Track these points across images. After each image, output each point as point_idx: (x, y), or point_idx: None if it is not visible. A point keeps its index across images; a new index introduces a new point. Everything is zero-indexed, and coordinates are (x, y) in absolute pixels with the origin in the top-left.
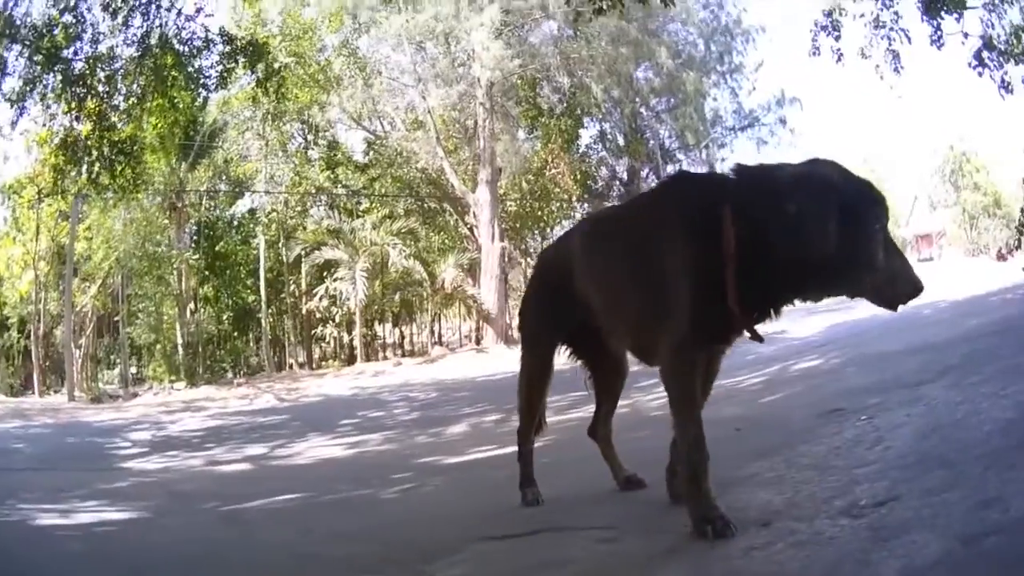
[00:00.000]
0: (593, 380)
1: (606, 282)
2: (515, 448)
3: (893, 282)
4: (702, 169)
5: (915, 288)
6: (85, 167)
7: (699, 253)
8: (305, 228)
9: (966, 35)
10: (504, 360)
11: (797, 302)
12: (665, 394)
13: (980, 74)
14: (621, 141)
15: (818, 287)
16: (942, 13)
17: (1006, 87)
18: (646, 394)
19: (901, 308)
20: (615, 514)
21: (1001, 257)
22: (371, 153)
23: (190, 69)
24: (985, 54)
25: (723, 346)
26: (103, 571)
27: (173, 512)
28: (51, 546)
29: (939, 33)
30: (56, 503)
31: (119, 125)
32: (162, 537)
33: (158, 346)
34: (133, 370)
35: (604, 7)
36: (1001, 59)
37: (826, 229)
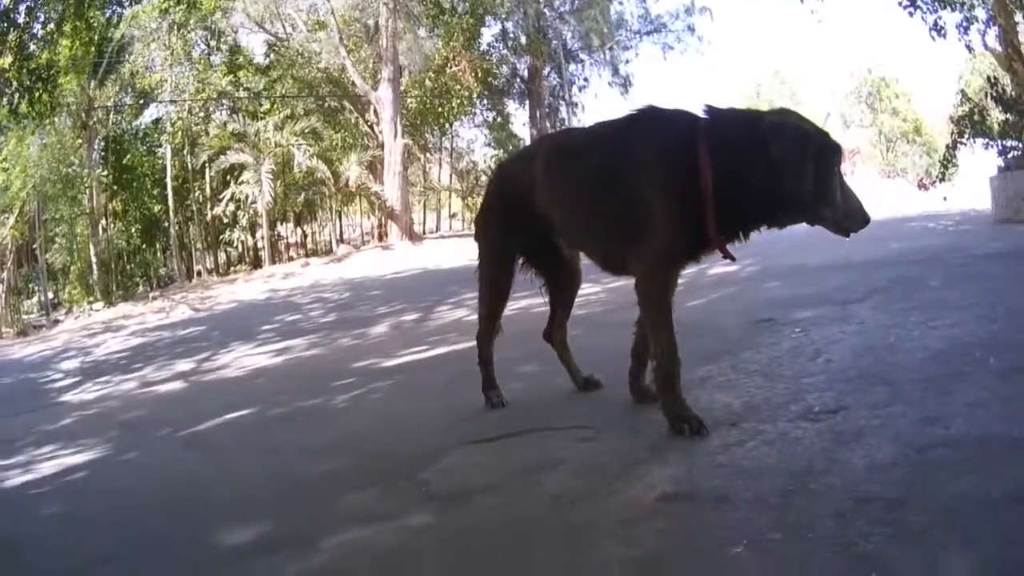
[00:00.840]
0: (548, 288)
1: (575, 203)
2: (447, 349)
3: (848, 215)
4: (606, 71)
5: (865, 220)
6: (5, 99)
7: (679, 184)
8: (208, 134)
9: None
10: (410, 257)
11: (763, 229)
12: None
13: (911, 14)
14: (523, 40)
15: (787, 218)
16: None
17: (938, 30)
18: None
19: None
20: (585, 414)
21: (922, 186)
22: (272, 55)
23: None
24: None
25: (689, 263)
26: (92, 534)
27: (132, 447)
28: (26, 510)
29: None
30: (11, 456)
31: (36, 53)
32: (134, 479)
33: (73, 268)
34: (50, 295)
35: None
36: (936, 3)
37: (806, 171)
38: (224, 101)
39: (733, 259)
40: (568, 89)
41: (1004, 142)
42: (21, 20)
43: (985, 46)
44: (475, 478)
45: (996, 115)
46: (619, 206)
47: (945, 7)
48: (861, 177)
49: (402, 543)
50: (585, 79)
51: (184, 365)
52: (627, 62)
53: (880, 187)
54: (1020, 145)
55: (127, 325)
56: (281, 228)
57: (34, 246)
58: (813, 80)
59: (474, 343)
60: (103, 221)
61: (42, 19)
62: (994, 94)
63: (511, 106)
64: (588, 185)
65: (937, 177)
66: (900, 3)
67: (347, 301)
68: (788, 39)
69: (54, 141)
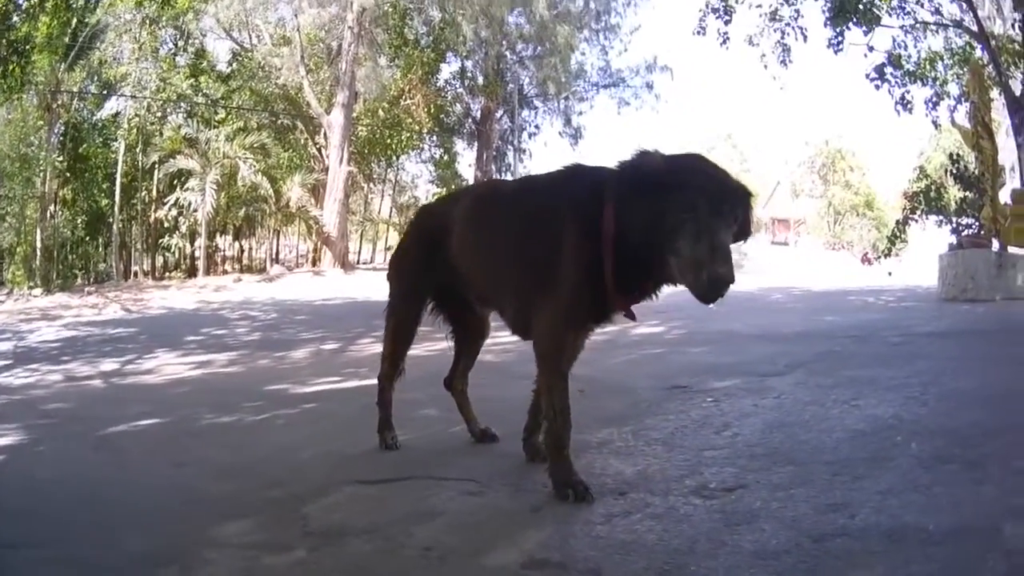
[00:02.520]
0: (454, 336)
1: (491, 256)
2: (359, 383)
3: (697, 270)
4: (558, 119)
5: (715, 285)
6: None
7: (582, 241)
8: (163, 135)
9: (871, 48)
10: (342, 285)
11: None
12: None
13: (877, 87)
14: (481, 80)
15: (658, 273)
16: (850, 25)
17: (904, 105)
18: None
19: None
20: (475, 466)
21: (866, 260)
22: (235, 64)
23: None
24: (888, 70)
25: (594, 327)
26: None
27: (48, 438)
28: None
29: (840, 40)
30: None
31: (18, 24)
32: (47, 471)
33: (19, 249)
34: None
35: None
36: (906, 78)
37: (636, 217)
38: (182, 104)
39: (634, 318)
40: (518, 135)
41: (959, 220)
42: None
43: (953, 122)
44: (354, 519)
45: (954, 192)
46: (526, 262)
47: (915, 81)
48: (805, 247)
49: None
50: (536, 126)
51: (109, 365)
52: (580, 113)
53: (824, 259)
54: (976, 223)
55: (62, 316)
56: (220, 240)
57: None
58: (767, 146)
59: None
60: (51, 207)
61: None
62: (955, 171)
63: (460, 145)
64: (499, 239)
65: (883, 252)
66: (868, 75)
67: (273, 322)
68: (746, 103)
69: (18, 118)
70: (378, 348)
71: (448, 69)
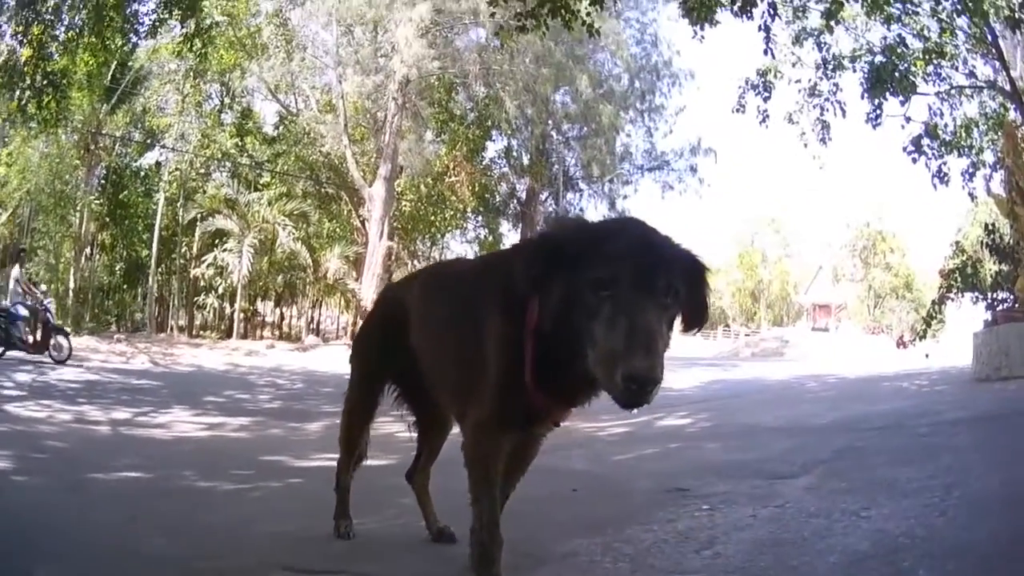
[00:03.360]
0: (418, 427)
1: (434, 343)
2: (374, 463)
3: (609, 364)
4: (602, 203)
5: (634, 377)
6: (17, 93)
7: (506, 332)
8: (205, 192)
9: (908, 119)
10: None
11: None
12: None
13: (915, 160)
14: (526, 160)
15: (583, 371)
16: (887, 95)
17: (941, 178)
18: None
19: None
20: (413, 568)
21: (901, 344)
22: (281, 127)
23: (127, 12)
24: (925, 141)
25: (536, 431)
26: None
27: (30, 471)
28: None
29: (878, 112)
30: None
31: (55, 55)
32: (11, 502)
33: (52, 287)
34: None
35: (527, 26)
36: (942, 148)
37: (551, 300)
38: (227, 163)
39: (557, 424)
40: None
41: (994, 295)
42: (48, 17)
43: (988, 191)
44: None
45: (989, 266)
46: (462, 353)
47: (951, 152)
48: (845, 332)
49: None
50: (581, 208)
51: (122, 413)
52: (625, 197)
53: (862, 343)
54: (1011, 297)
55: (89, 359)
56: (260, 305)
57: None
58: (810, 230)
59: (388, 463)
60: (88, 249)
61: (66, 23)
62: (990, 242)
63: (504, 226)
64: (443, 325)
65: (919, 334)
66: (905, 148)
67: (298, 392)
68: (788, 184)
69: (55, 153)
70: (395, 428)
71: (493, 147)
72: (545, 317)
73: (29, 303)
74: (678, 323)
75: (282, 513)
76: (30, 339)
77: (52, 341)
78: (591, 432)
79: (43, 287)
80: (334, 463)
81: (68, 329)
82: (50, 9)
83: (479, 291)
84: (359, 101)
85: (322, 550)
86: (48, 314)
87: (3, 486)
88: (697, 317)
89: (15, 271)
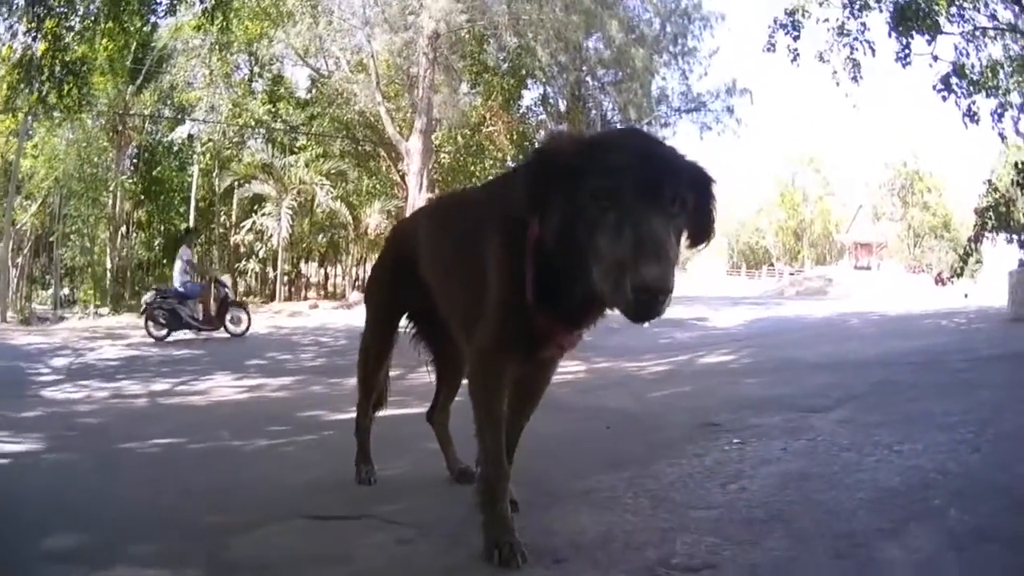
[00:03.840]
0: (435, 365)
1: (441, 272)
2: (396, 411)
3: (616, 276)
4: None
5: (643, 286)
6: (36, 86)
7: (506, 253)
8: (240, 160)
9: (935, 58)
10: None
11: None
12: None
13: (944, 99)
14: (563, 107)
15: (588, 290)
16: (912, 33)
17: (971, 116)
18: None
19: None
20: (431, 510)
21: (940, 281)
22: (314, 91)
23: None
24: (954, 80)
25: (542, 357)
26: None
27: (63, 448)
28: None
29: (907, 52)
30: None
31: (72, 46)
32: (41, 478)
33: (89, 269)
34: (66, 291)
35: None
36: (971, 88)
37: (551, 217)
38: (260, 130)
39: (561, 348)
40: None
41: None
42: (59, 9)
43: (1017, 132)
44: (265, 554)
45: (1021, 205)
46: (467, 278)
47: (979, 92)
48: (887, 271)
49: None
50: None
51: (160, 385)
52: (664, 139)
53: (903, 282)
54: None
55: (129, 336)
56: (304, 266)
57: (52, 238)
58: (848, 169)
59: (417, 411)
60: (124, 228)
61: (80, 12)
62: (1020, 181)
63: None
64: (450, 252)
65: (956, 271)
66: (934, 86)
67: (340, 348)
68: (825, 124)
69: (81, 138)
70: (422, 378)
71: (529, 96)
72: (546, 234)
73: (199, 282)
74: (685, 238)
75: (309, 464)
76: (201, 316)
77: (229, 316)
78: (632, 371)
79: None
80: (379, 415)
81: (245, 302)
82: (62, 2)
83: (481, 215)
84: (390, 59)
85: (343, 496)
86: (225, 289)
87: (31, 460)
88: (704, 230)
89: (183, 251)
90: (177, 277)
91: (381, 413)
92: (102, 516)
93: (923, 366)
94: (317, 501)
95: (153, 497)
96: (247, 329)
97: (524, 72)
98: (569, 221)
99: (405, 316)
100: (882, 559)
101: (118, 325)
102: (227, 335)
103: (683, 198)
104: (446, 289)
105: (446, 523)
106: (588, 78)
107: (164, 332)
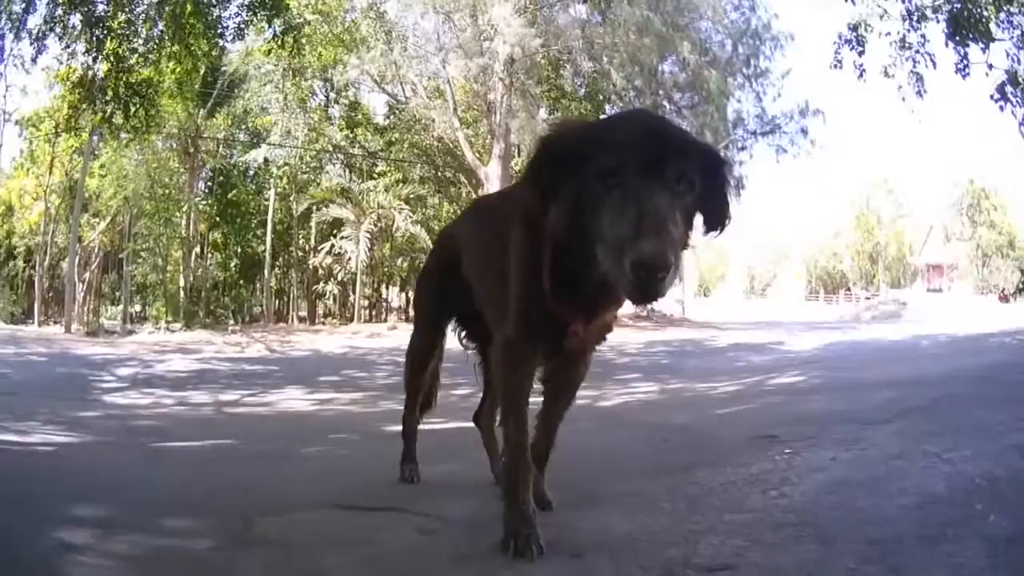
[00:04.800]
0: (483, 366)
1: (477, 271)
2: (459, 424)
3: (616, 253)
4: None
5: (640, 261)
6: (100, 106)
7: (527, 243)
8: (318, 184)
9: (990, 66)
10: None
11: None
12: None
13: (1002, 108)
14: None
15: (599, 276)
16: (968, 41)
17: None
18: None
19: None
20: (463, 506)
21: (1003, 298)
22: (391, 117)
23: (208, 18)
24: (1009, 89)
25: (568, 348)
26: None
27: (113, 444)
28: None
29: (965, 62)
30: (19, 423)
31: (137, 68)
32: (81, 464)
33: (161, 287)
34: (137, 308)
35: None
36: None
37: (563, 204)
38: (339, 155)
39: (576, 335)
40: None
41: None
42: (121, 31)
43: None
44: (294, 535)
45: None
46: (494, 273)
47: None
48: (957, 293)
49: None
50: None
51: (228, 396)
52: (741, 163)
53: (971, 303)
54: None
55: (200, 351)
56: (385, 291)
57: (122, 256)
58: (920, 188)
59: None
60: (198, 248)
61: (143, 35)
62: None
63: None
64: (484, 250)
65: (1019, 288)
66: (991, 96)
67: None
68: (896, 142)
69: (151, 159)
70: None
71: None
72: (557, 221)
73: None
74: (700, 223)
75: (359, 467)
76: None
77: None
78: (702, 391)
79: None
80: (437, 426)
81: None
82: (123, 24)
83: (508, 212)
84: (467, 84)
85: (381, 491)
86: None
87: (76, 452)
88: (718, 215)
89: None
90: None
91: (432, 420)
92: (135, 496)
93: (982, 380)
94: (353, 494)
95: (187, 483)
96: None
97: (601, 97)
98: (577, 206)
99: (454, 320)
100: (911, 564)
101: (191, 340)
102: None
103: (690, 178)
104: (481, 287)
105: (473, 517)
106: (665, 102)
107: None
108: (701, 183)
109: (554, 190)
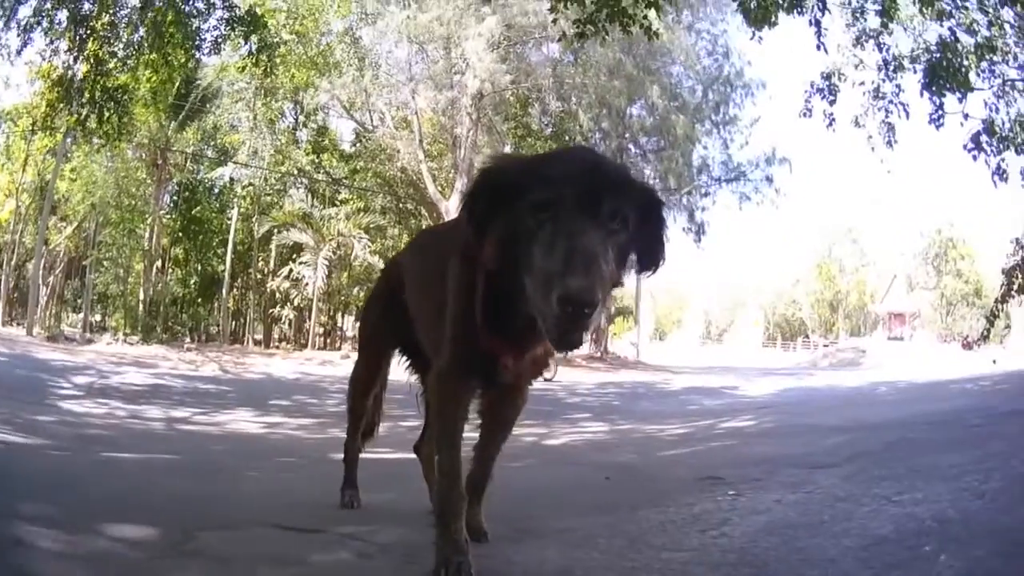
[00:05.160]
0: (424, 396)
1: (416, 301)
2: (405, 454)
3: (544, 289)
4: (681, 215)
5: (567, 297)
6: (76, 107)
7: (463, 274)
8: (281, 207)
9: (967, 116)
10: None
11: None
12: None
13: (975, 158)
14: None
15: (525, 305)
16: (944, 91)
17: (1001, 175)
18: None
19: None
20: (400, 533)
21: (967, 346)
22: (358, 144)
23: (188, 29)
24: (984, 138)
25: (505, 383)
26: None
27: (64, 448)
28: None
29: (940, 112)
30: None
31: (114, 72)
32: (31, 465)
33: (122, 298)
34: (97, 317)
35: (587, 32)
36: (1000, 145)
37: (496, 236)
38: (303, 179)
39: (507, 368)
40: None
41: None
42: (103, 33)
43: None
44: (232, 551)
45: None
46: (431, 303)
47: (1008, 147)
48: (919, 341)
49: None
50: None
51: (181, 412)
52: (704, 209)
53: (934, 351)
54: None
55: (156, 365)
56: (340, 318)
57: (85, 263)
58: (885, 238)
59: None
60: (159, 263)
61: (124, 39)
62: None
63: None
64: (420, 279)
65: (983, 335)
66: (965, 146)
67: None
68: (861, 192)
69: (120, 167)
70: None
71: None
72: (489, 252)
73: None
74: (633, 262)
75: (301, 488)
76: None
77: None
78: (651, 433)
79: None
80: (383, 456)
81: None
82: (105, 26)
83: (447, 243)
84: (434, 116)
85: (320, 514)
86: None
87: (28, 452)
88: (651, 254)
89: None
90: None
91: (378, 449)
92: (80, 499)
93: (939, 425)
94: (293, 515)
95: (134, 493)
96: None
97: (567, 137)
98: (511, 238)
99: (399, 349)
100: None
101: (147, 354)
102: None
103: (625, 216)
104: (420, 316)
105: (410, 544)
106: (630, 145)
107: None
108: (637, 222)
109: (489, 221)
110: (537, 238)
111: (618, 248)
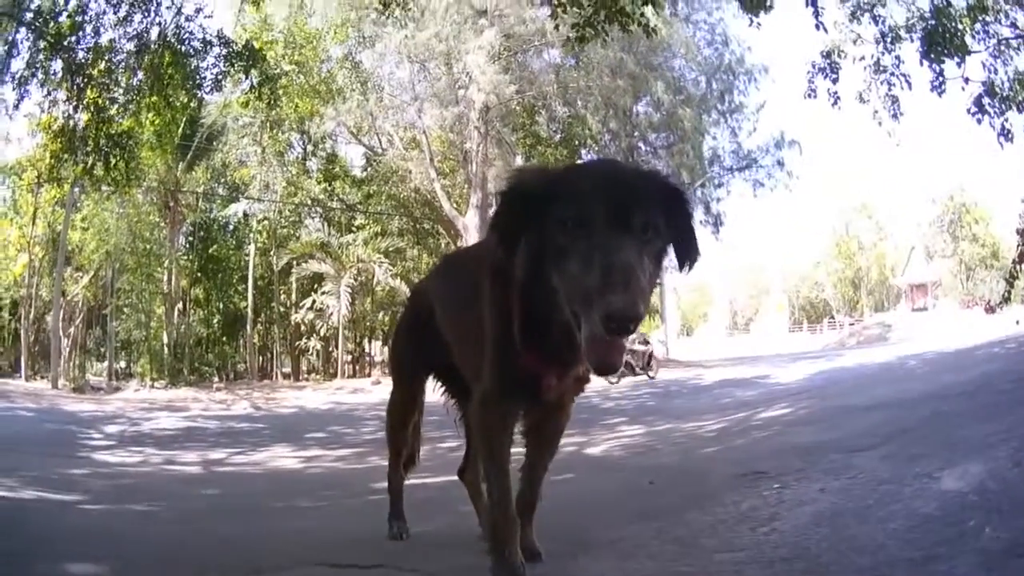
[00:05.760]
0: (464, 422)
1: (451, 325)
2: (448, 477)
3: (585, 308)
4: (697, 208)
5: (612, 315)
6: (80, 157)
7: (497, 295)
8: (298, 238)
9: (967, 80)
10: None
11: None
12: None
13: (979, 121)
14: None
15: (565, 328)
16: (943, 58)
17: (1006, 135)
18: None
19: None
20: (451, 561)
21: (989, 310)
22: (369, 168)
23: (187, 69)
24: (986, 100)
25: (547, 401)
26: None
27: (102, 501)
28: None
29: (940, 79)
30: (8, 479)
31: (117, 119)
32: (73, 522)
33: (145, 343)
34: (122, 364)
35: (587, 35)
36: (1002, 106)
37: (525, 253)
38: (317, 208)
39: (550, 388)
40: None
41: None
42: (101, 80)
43: None
44: None
45: None
46: (467, 327)
47: (1011, 107)
48: (942, 310)
49: None
50: None
51: (216, 454)
52: (719, 200)
53: (958, 318)
54: None
55: (187, 408)
56: (368, 344)
57: (104, 311)
58: (900, 211)
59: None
60: (180, 304)
61: (123, 85)
62: None
63: None
64: (454, 304)
65: (1004, 298)
66: (968, 110)
67: None
68: (872, 166)
69: (132, 213)
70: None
71: None
72: (521, 271)
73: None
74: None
75: (349, 523)
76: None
77: (652, 363)
78: (690, 431)
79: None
80: (425, 480)
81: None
82: (103, 72)
83: (478, 265)
84: (443, 134)
85: (370, 548)
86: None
87: (66, 508)
88: (687, 249)
89: None
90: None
91: (420, 474)
92: (123, 557)
93: (971, 394)
94: (343, 551)
95: (180, 543)
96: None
97: (577, 142)
98: (540, 254)
99: (432, 375)
100: None
101: (177, 397)
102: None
103: (655, 224)
104: (455, 342)
105: (463, 572)
106: (640, 143)
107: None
108: (665, 224)
109: (518, 236)
110: (571, 256)
111: (653, 257)
